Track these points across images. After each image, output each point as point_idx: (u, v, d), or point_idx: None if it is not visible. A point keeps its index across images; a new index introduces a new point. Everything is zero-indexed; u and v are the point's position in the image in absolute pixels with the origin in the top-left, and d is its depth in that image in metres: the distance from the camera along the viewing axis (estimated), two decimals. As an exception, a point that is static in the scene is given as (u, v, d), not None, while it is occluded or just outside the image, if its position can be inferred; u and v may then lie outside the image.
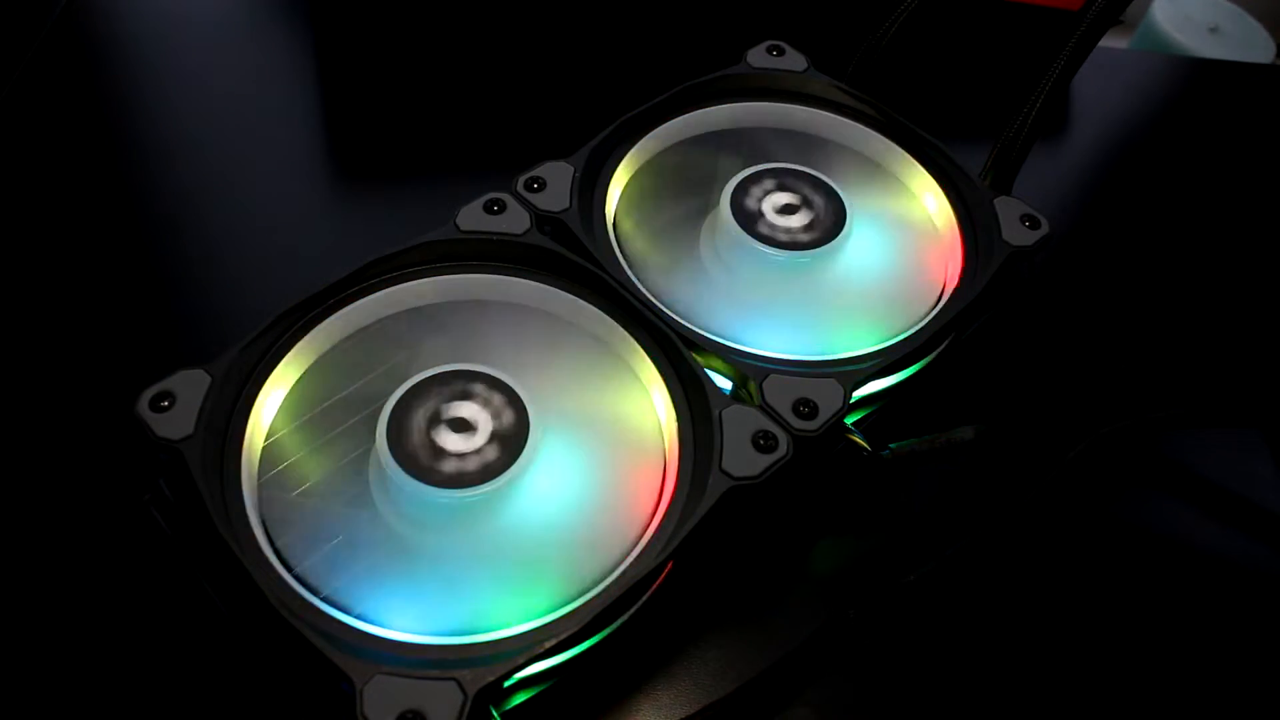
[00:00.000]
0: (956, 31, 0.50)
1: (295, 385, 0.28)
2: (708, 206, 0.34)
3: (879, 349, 0.30)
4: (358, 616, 0.24)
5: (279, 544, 0.25)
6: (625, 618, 0.26)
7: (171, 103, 0.43)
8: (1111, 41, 0.40)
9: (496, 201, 0.31)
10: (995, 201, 0.33)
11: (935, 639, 0.30)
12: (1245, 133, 0.50)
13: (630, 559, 0.25)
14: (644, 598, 0.26)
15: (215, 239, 0.38)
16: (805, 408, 0.27)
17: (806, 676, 0.29)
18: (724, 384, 0.29)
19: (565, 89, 0.46)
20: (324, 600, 0.24)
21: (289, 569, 0.24)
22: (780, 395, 0.28)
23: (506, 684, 0.23)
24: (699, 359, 0.28)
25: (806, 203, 0.33)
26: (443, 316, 0.30)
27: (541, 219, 0.31)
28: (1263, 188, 0.47)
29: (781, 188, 0.33)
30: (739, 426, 0.27)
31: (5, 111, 0.41)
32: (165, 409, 0.25)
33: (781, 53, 0.37)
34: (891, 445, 0.29)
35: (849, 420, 0.29)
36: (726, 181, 0.33)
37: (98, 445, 0.32)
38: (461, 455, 0.26)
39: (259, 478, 0.26)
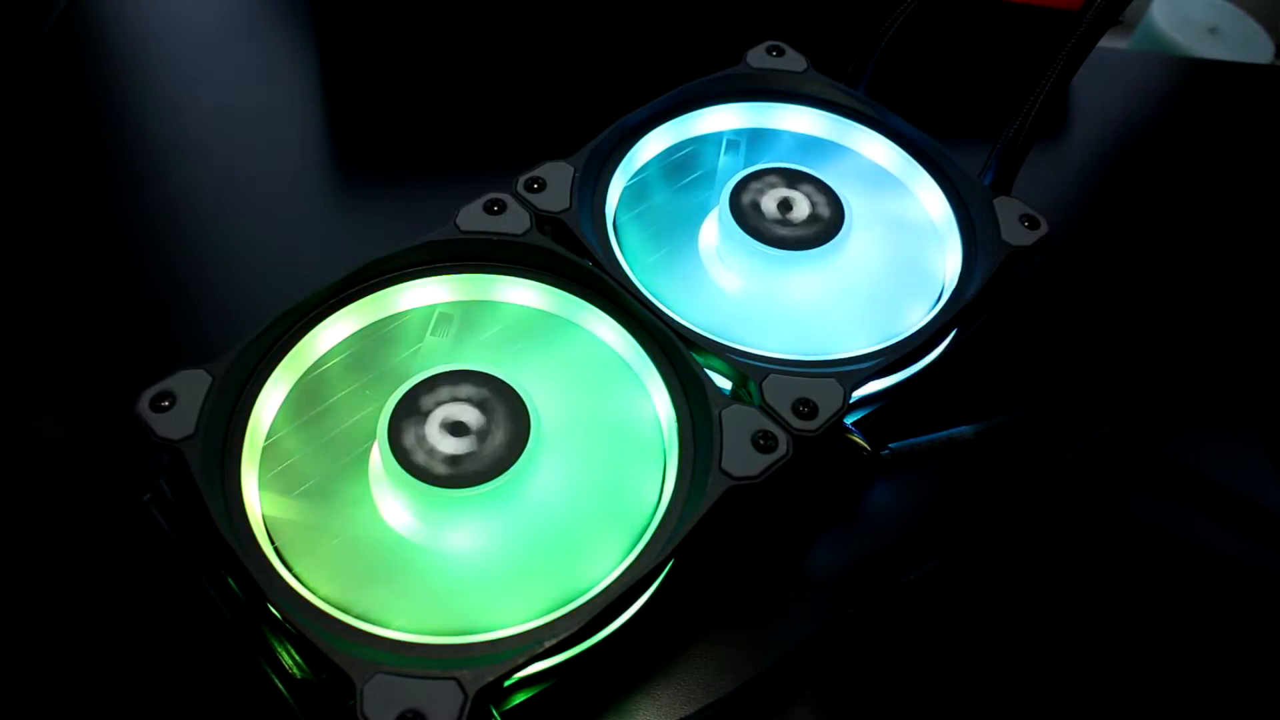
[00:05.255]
0: (956, 32, 0.50)
1: (295, 385, 0.28)
2: (708, 206, 0.34)
3: (879, 349, 0.30)
4: (357, 616, 0.24)
5: (279, 544, 0.25)
6: (626, 617, 0.26)
7: (171, 103, 0.43)
8: (1111, 41, 0.40)
9: (496, 201, 0.31)
10: (995, 201, 0.33)
11: (935, 639, 0.30)
12: (1245, 133, 0.50)
13: (630, 559, 0.25)
14: (644, 597, 0.26)
15: (215, 239, 0.38)
16: (805, 408, 0.27)
17: (806, 676, 0.29)
18: (724, 384, 0.29)
19: (565, 89, 0.46)
20: (324, 600, 0.24)
21: (289, 569, 0.24)
22: (780, 395, 0.28)
23: (506, 684, 0.23)
24: (699, 359, 0.28)
25: (806, 202, 0.33)
26: (443, 316, 0.30)
27: (541, 219, 0.31)
28: (1263, 188, 0.47)
29: (781, 187, 0.33)
30: (739, 426, 0.27)
31: (5, 112, 0.41)
32: (165, 409, 0.25)
33: (781, 53, 0.37)
34: (891, 445, 0.29)
35: (848, 420, 0.29)
36: (726, 181, 0.33)
37: (98, 446, 0.32)
38: (462, 455, 0.26)
39: (259, 478, 0.26)
